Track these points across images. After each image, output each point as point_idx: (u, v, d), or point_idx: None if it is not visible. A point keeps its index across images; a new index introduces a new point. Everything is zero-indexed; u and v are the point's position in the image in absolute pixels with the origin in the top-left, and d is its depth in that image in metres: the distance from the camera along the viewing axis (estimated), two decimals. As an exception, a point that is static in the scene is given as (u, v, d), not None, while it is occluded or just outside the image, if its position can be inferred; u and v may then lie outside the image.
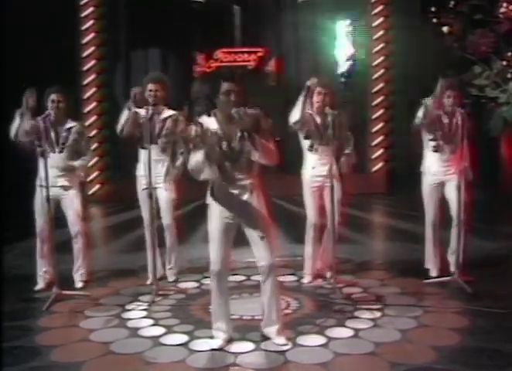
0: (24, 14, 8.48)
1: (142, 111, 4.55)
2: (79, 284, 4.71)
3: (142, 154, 4.64)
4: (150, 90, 4.56)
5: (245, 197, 3.35)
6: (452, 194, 4.59)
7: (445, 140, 4.62)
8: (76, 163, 4.67)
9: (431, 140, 4.68)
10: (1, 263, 4.61)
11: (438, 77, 4.68)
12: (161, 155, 4.68)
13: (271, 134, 3.37)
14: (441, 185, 4.71)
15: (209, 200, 3.42)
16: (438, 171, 4.67)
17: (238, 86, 3.30)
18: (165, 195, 4.70)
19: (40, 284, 4.63)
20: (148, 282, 4.71)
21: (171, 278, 4.86)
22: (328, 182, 4.40)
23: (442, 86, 4.57)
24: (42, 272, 4.65)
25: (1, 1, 7.51)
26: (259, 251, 3.38)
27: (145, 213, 4.67)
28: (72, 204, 4.64)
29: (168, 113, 4.72)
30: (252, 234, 3.38)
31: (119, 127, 4.62)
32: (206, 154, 3.28)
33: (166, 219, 4.76)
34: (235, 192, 3.35)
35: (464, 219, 4.57)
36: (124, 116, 4.58)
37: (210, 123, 3.36)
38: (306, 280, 4.76)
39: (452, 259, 4.70)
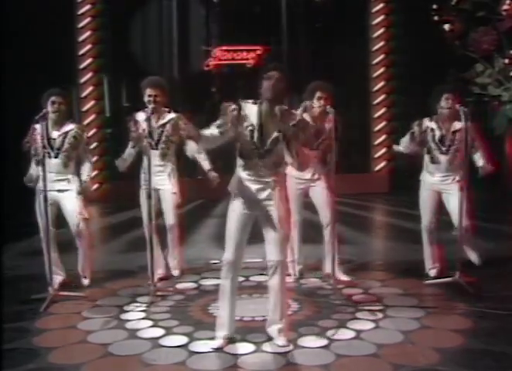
0: (21, 11, 8.47)
1: (141, 116, 4.55)
2: (85, 282, 4.72)
3: (144, 158, 4.64)
4: (149, 95, 4.55)
5: (266, 193, 3.34)
6: (451, 202, 4.61)
7: (440, 150, 4.65)
8: (84, 178, 4.64)
9: (427, 153, 4.75)
10: (1, 264, 4.57)
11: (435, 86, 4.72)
12: (161, 161, 4.69)
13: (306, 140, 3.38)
14: (438, 193, 4.73)
15: (232, 188, 3.42)
16: (435, 180, 4.71)
17: (280, 74, 3.28)
18: (168, 196, 4.69)
19: (53, 286, 4.48)
20: (149, 282, 4.68)
21: (175, 273, 4.90)
22: (313, 184, 4.62)
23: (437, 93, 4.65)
24: (54, 274, 4.58)
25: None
26: (271, 247, 3.37)
27: (145, 214, 4.65)
28: (71, 206, 4.59)
29: (167, 117, 4.70)
30: (267, 229, 3.37)
31: (120, 163, 4.65)
32: (237, 139, 3.30)
33: (169, 220, 4.75)
34: (257, 186, 3.34)
35: (467, 225, 4.59)
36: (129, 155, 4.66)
37: (251, 110, 3.32)
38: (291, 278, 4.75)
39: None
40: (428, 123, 4.71)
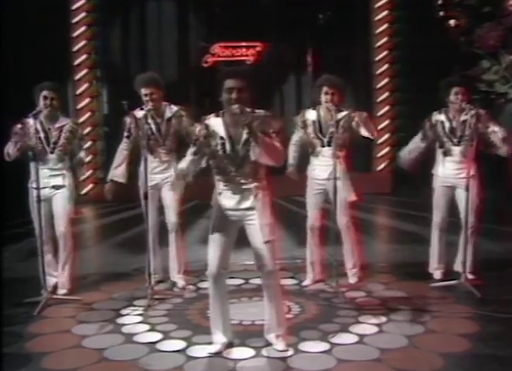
0: (13, 5, 8.45)
1: (140, 113, 4.54)
2: (62, 291, 4.60)
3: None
4: (145, 95, 4.53)
5: (249, 202, 3.33)
6: (463, 197, 4.59)
7: (452, 142, 4.65)
8: (82, 155, 4.68)
9: (439, 146, 4.73)
10: (1, 266, 4.55)
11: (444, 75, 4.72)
12: (166, 156, 4.68)
13: (281, 135, 3.33)
14: (451, 189, 4.71)
15: (214, 201, 3.41)
16: (449, 174, 4.68)
17: (241, 83, 3.20)
18: (170, 194, 4.67)
19: (47, 289, 4.45)
20: (147, 285, 4.65)
21: (180, 284, 4.79)
22: (331, 184, 4.50)
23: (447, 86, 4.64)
24: (48, 275, 4.56)
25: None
26: (258, 256, 3.35)
27: (151, 212, 4.63)
28: (61, 204, 4.57)
29: (170, 111, 4.66)
30: (254, 238, 3.35)
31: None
32: (210, 156, 3.33)
33: (172, 217, 4.72)
34: (239, 197, 3.33)
35: (475, 222, 4.60)
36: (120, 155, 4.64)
37: (217, 124, 3.33)
38: (306, 282, 4.79)
39: (458, 267, 4.69)
40: (437, 116, 4.72)
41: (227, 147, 3.30)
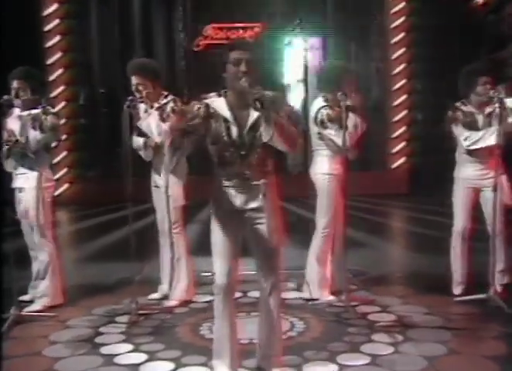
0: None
1: (142, 106, 4.59)
2: (34, 307, 4.59)
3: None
4: (133, 85, 4.54)
5: (256, 202, 3.26)
6: (490, 200, 4.58)
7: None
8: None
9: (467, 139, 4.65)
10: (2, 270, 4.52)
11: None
12: (151, 152, 4.68)
13: (293, 121, 3.31)
14: (476, 191, 4.71)
15: (214, 200, 3.34)
16: (474, 174, 4.67)
17: (250, 55, 3.13)
18: (163, 194, 4.64)
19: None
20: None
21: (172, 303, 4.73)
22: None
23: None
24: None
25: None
26: (263, 265, 3.31)
27: (158, 215, 4.69)
28: (27, 208, 4.56)
29: (162, 102, 4.59)
30: (259, 243, 3.29)
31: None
32: (212, 142, 3.21)
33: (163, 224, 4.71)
34: (244, 195, 3.25)
35: (502, 228, 4.60)
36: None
37: (219, 105, 3.23)
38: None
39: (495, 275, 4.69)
40: (464, 108, 4.67)
41: (233, 131, 3.20)
